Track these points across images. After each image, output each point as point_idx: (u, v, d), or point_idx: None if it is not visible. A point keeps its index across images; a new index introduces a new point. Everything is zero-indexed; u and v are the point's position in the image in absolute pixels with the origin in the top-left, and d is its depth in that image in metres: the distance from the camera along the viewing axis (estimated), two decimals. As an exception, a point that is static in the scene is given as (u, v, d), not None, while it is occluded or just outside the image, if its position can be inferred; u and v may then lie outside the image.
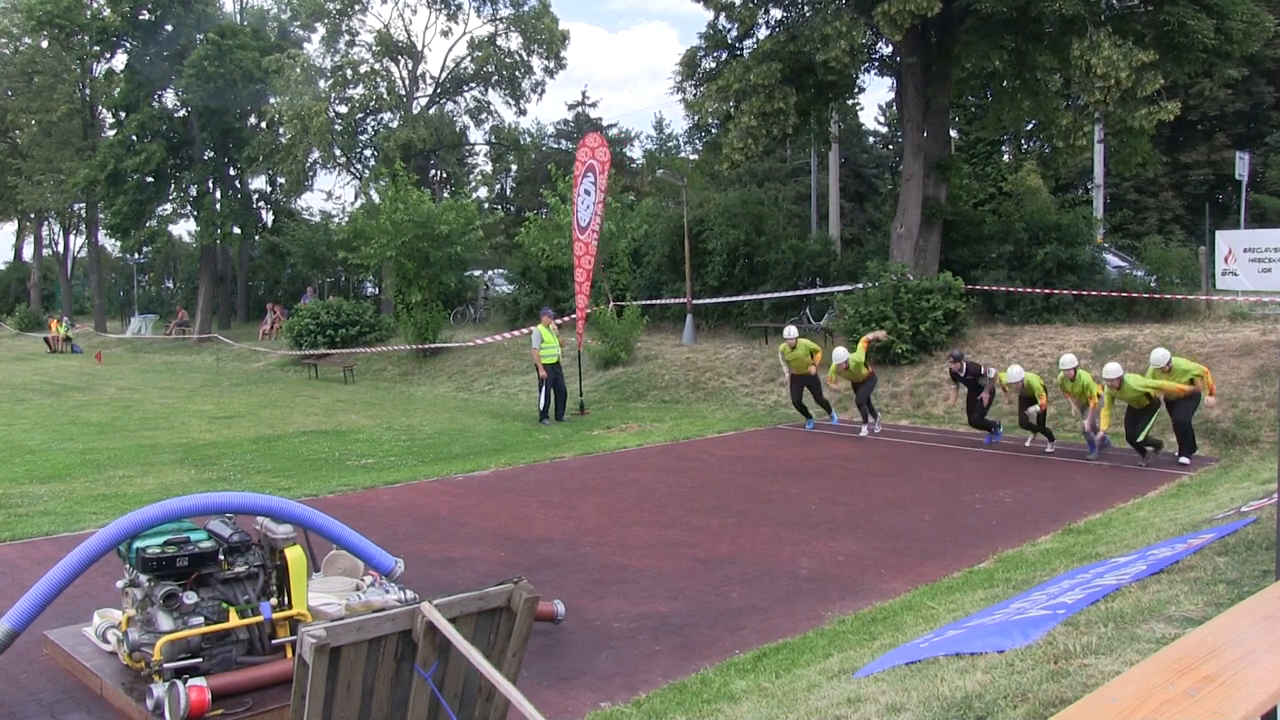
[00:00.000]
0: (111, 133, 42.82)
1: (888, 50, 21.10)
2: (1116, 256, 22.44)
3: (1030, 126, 27.27)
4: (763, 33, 20.29)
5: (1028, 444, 13.55)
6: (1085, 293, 18.63)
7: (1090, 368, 15.67)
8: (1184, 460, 11.98)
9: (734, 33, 20.69)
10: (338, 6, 36.25)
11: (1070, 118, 18.73)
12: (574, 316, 18.66)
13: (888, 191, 32.94)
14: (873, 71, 22.34)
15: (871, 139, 41.93)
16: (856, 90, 23.22)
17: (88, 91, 45.89)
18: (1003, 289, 19.02)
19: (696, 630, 6.44)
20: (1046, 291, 18.70)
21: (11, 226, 63.87)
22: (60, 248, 57.79)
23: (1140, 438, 11.80)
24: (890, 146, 40.20)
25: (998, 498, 10.35)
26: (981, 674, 4.16)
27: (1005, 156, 33.11)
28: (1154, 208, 32.97)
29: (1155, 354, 12.43)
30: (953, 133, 25.52)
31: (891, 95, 25.41)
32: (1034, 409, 12.95)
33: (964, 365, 13.85)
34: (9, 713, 5.27)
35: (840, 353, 14.38)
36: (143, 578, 5.33)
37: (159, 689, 4.90)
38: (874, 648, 5.53)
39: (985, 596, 6.47)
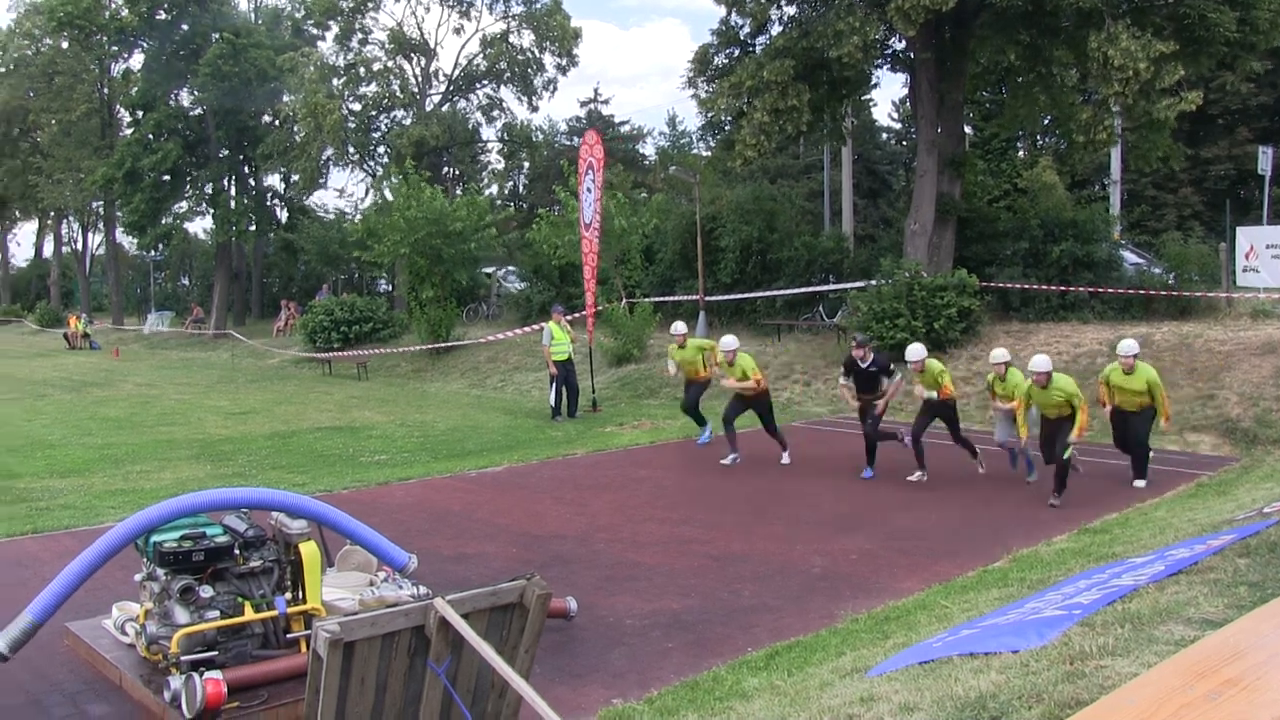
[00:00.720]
0: (129, 131, 43.15)
1: (901, 46, 20.99)
2: (1134, 253, 22.28)
3: (1046, 122, 27.10)
4: (775, 29, 20.20)
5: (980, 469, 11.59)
6: (1102, 290, 18.51)
7: (1105, 366, 15.59)
8: (1139, 484, 10.70)
9: (746, 29, 20.62)
10: (351, 5, 36.35)
11: (1090, 112, 18.57)
12: (585, 313, 18.68)
13: (901, 188, 32.79)
14: (886, 67, 22.21)
15: (885, 135, 41.76)
16: (870, 86, 23.13)
17: (106, 91, 46.23)
18: (1018, 286, 18.92)
19: (709, 628, 6.43)
20: (1062, 289, 18.59)
21: (32, 225, 64.58)
22: (79, 245, 58.20)
23: (1065, 456, 9.88)
24: (904, 143, 40.03)
25: (1012, 497, 10.31)
26: (996, 674, 4.13)
27: (1020, 153, 32.89)
28: (1173, 204, 32.70)
29: (1123, 344, 10.89)
30: (967, 129, 25.39)
31: (905, 91, 25.26)
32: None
33: (869, 354, 11.45)
34: (34, 702, 5.34)
35: (729, 340, 12.31)
36: (160, 571, 5.37)
37: (176, 681, 4.93)
38: (887, 647, 5.51)
39: (1000, 596, 6.44)
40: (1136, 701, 1.94)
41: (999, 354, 11.15)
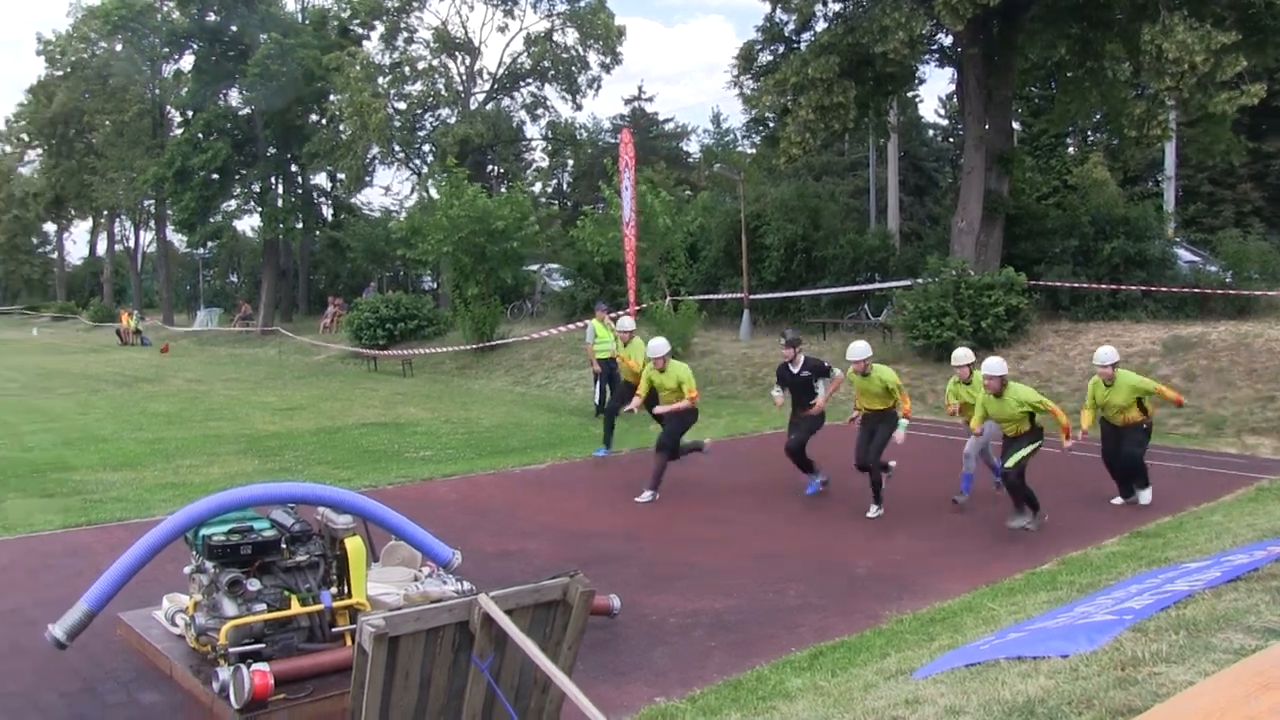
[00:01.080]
0: (179, 131, 43.84)
1: (948, 41, 20.79)
2: (1189, 251, 21.85)
3: (1097, 117, 26.68)
4: (820, 25, 20.11)
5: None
6: (1155, 289, 18.20)
7: (1158, 366, 15.30)
8: (1144, 496, 9.77)
9: (791, 26, 20.52)
10: (396, 4, 36.61)
11: (1143, 106, 18.24)
12: (628, 311, 18.69)
13: (948, 185, 32.47)
14: (933, 63, 22.01)
15: (931, 132, 41.30)
16: (916, 82, 22.95)
17: (157, 92, 47.06)
18: (1067, 285, 18.65)
19: (752, 627, 6.40)
20: (1113, 287, 18.30)
21: (87, 224, 65.96)
22: (131, 243, 59.30)
23: (1012, 464, 8.73)
24: (951, 139, 39.55)
25: (1061, 498, 10.13)
26: (1044, 679, 4.06)
27: (1070, 149, 32.42)
28: (1231, 200, 31.91)
29: (1100, 352, 9.76)
30: (1015, 125, 25.09)
31: (952, 87, 24.99)
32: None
33: (800, 357, 10.08)
34: (89, 689, 5.45)
35: (659, 344, 10.51)
36: (209, 564, 5.45)
37: (224, 672, 4.99)
38: (932, 649, 5.45)
39: (1048, 599, 6.34)
40: (1195, 711, 1.88)
41: (961, 355, 9.76)
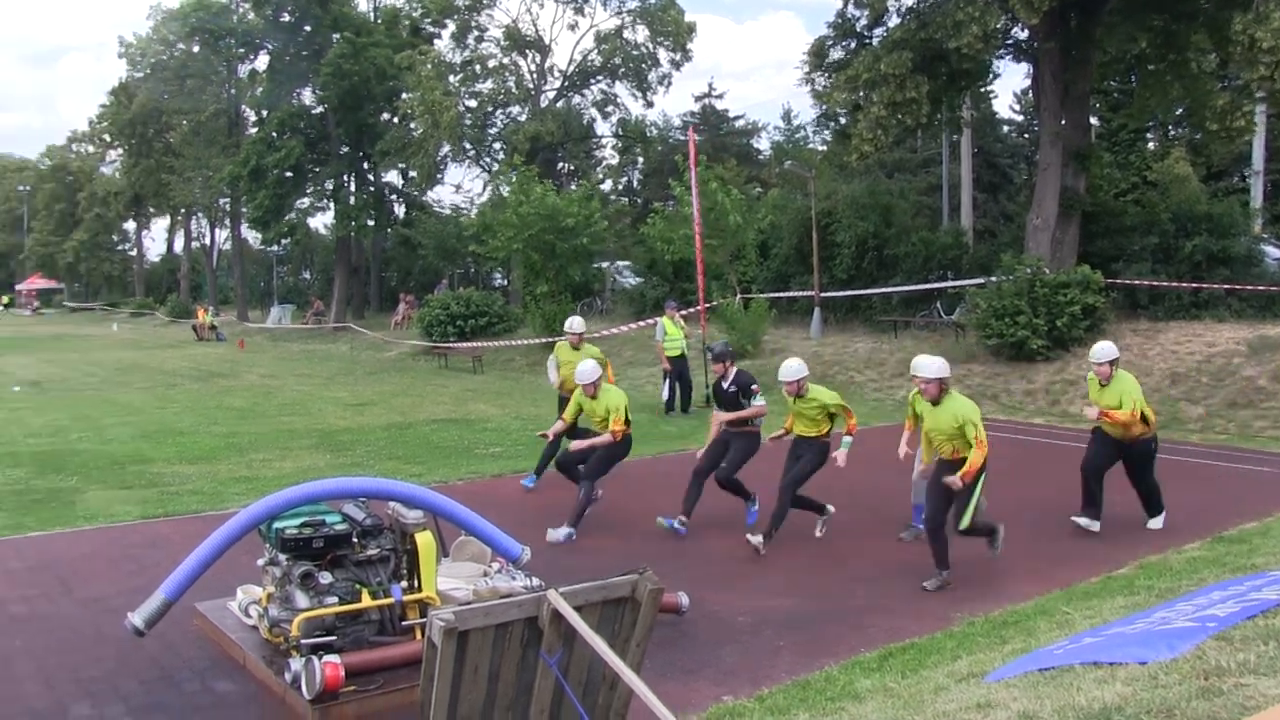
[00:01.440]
0: (254, 130, 44.79)
1: (1023, 35, 20.39)
2: (1278, 248, 21.17)
3: (1179, 111, 25.94)
4: (893, 20, 19.88)
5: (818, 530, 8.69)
6: (1239, 286, 17.66)
7: (1243, 367, 14.84)
8: (1154, 524, 8.85)
9: (863, 21, 20.33)
10: (467, 3, 36.98)
11: (1228, 98, 17.70)
12: (698, 309, 18.67)
13: (1023, 182, 31.87)
14: (1007, 58, 21.62)
15: (1006, 128, 40.53)
16: (990, 77, 22.57)
17: (233, 92, 48.16)
18: (1146, 283, 18.19)
19: (821, 627, 6.34)
20: (1195, 286, 17.81)
21: (165, 221, 67.85)
22: (207, 241, 60.87)
23: (963, 526, 7.20)
24: (1026, 135, 38.77)
25: (1136, 498, 9.85)
26: (1121, 685, 3.95)
27: (1150, 144, 31.58)
28: (1324, 195, 30.86)
29: (1096, 348, 8.77)
30: (1093, 120, 24.53)
31: (1027, 82, 24.54)
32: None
33: (731, 370, 8.96)
34: (166, 676, 5.59)
35: (587, 370, 9.00)
36: (282, 557, 5.54)
37: (296, 664, 5.08)
38: (1005, 652, 5.36)
39: (1125, 604, 6.18)
40: (1290, 724, 1.79)
41: (922, 364, 7.56)
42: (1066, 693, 3.98)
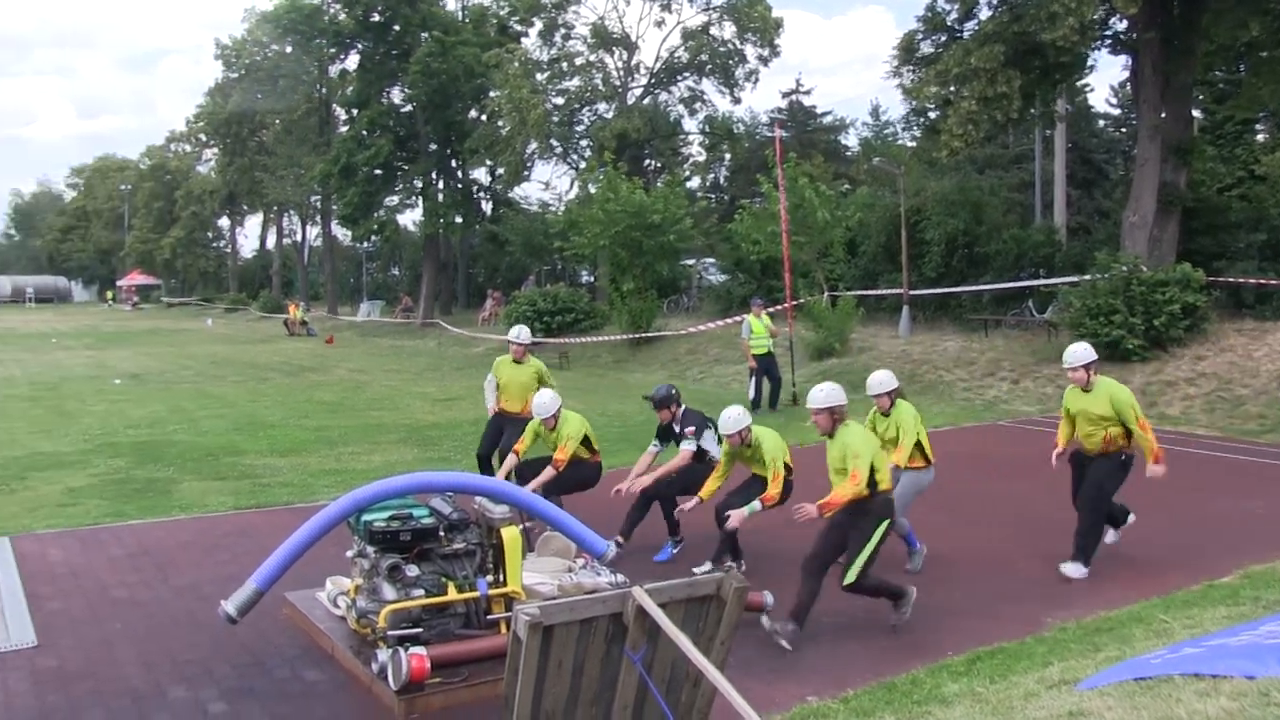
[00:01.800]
0: (344, 129, 45.73)
1: (1122, 26, 19.77)
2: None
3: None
4: (984, 13, 19.46)
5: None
6: (1352, 285, 16.94)
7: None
8: (1070, 569, 7.24)
9: (954, 14, 19.95)
10: (554, 1, 37.22)
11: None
12: (785, 306, 18.56)
13: (1119, 177, 30.96)
14: (1104, 49, 21.00)
15: (1101, 122, 39.44)
16: (1086, 70, 21.95)
17: (324, 91, 49.25)
18: (1251, 281, 17.51)
19: (908, 629, 6.23)
20: (1305, 284, 17.11)
21: (258, 219, 69.81)
22: (298, 238, 62.37)
23: (850, 579, 6.05)
24: (1123, 129, 37.68)
25: (1248, 508, 9.48)
26: (1226, 700, 3.78)
27: (1260, 136, 30.36)
28: None
29: (1070, 350, 7.51)
30: (1196, 112, 23.71)
31: (1125, 74, 23.82)
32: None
33: (678, 412, 8.09)
34: (258, 662, 5.75)
35: (545, 401, 8.59)
36: (370, 549, 5.63)
37: (383, 655, 5.15)
38: (1098, 660, 5.19)
39: (1228, 615, 5.94)
40: None
41: (878, 380, 7.44)
42: (1165, 704, 3.83)
